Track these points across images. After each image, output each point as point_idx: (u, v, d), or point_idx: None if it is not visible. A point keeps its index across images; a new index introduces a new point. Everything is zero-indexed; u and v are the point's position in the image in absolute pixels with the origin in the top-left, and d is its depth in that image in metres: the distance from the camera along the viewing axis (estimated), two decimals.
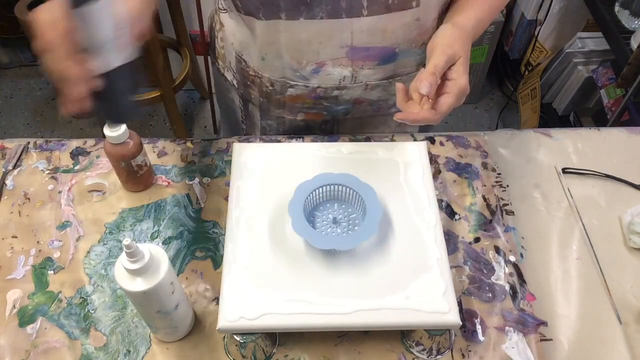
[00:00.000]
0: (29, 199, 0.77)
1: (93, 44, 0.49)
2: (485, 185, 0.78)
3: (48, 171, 0.80)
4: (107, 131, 0.69)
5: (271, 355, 0.63)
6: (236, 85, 0.88)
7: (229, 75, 0.88)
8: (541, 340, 0.64)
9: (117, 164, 0.73)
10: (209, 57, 1.16)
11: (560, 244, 0.73)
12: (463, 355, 0.63)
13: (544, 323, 0.65)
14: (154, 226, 0.74)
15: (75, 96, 0.50)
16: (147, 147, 0.82)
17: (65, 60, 0.48)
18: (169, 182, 0.79)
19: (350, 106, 0.83)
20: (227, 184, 0.78)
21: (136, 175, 0.75)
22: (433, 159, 0.81)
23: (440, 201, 0.76)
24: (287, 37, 0.72)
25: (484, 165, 0.81)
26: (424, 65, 0.77)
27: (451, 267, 0.65)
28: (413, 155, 0.72)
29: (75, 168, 0.80)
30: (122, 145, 0.70)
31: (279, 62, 0.76)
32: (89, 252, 0.71)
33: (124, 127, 0.69)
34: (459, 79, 0.63)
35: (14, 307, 0.66)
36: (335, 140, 0.82)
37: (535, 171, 0.82)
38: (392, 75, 0.80)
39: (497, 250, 0.71)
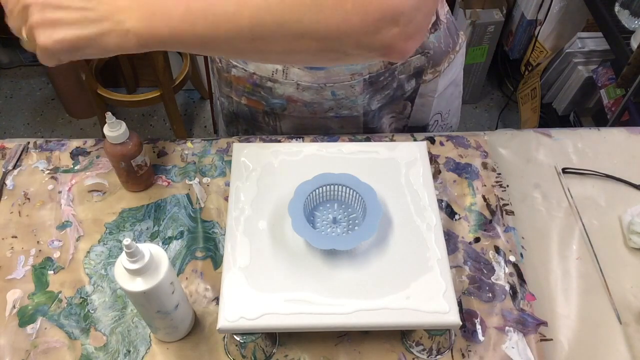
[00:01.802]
0: (29, 199, 0.77)
1: None
2: (485, 185, 0.78)
3: (48, 171, 0.80)
4: (107, 131, 0.69)
5: (271, 355, 0.63)
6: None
7: None
8: (541, 340, 0.64)
9: (117, 164, 0.73)
10: (208, 57, 1.15)
11: (560, 244, 0.73)
12: (463, 355, 0.63)
13: (544, 323, 0.65)
14: (154, 226, 0.74)
15: None
16: (147, 147, 0.82)
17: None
18: (169, 182, 0.79)
19: (285, 102, 0.81)
20: (227, 184, 0.78)
21: (136, 175, 0.75)
22: (433, 159, 0.81)
23: (440, 201, 0.76)
24: None
25: (484, 165, 0.81)
26: (358, 74, 0.76)
27: (451, 267, 0.65)
28: (413, 155, 0.72)
29: (75, 168, 0.80)
30: (122, 145, 0.70)
31: None
32: (89, 252, 0.71)
33: (124, 126, 0.69)
34: None
35: (14, 307, 0.66)
36: (335, 140, 0.82)
37: (535, 171, 0.82)
38: (324, 82, 0.77)
39: (497, 250, 0.71)
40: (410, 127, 0.91)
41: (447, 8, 0.83)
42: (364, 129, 0.86)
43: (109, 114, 0.67)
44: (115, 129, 0.68)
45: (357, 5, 0.46)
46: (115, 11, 0.49)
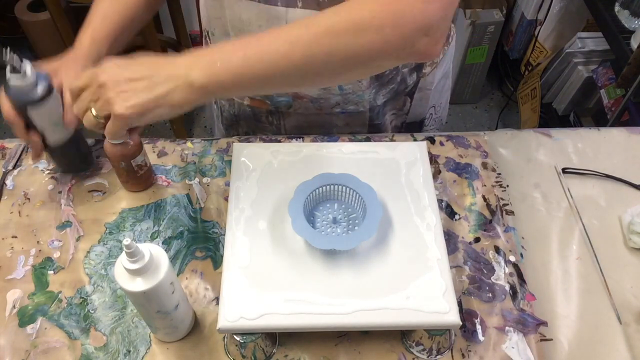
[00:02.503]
0: (29, 199, 0.77)
1: (44, 127, 0.67)
2: (485, 185, 0.78)
3: (48, 171, 0.80)
4: None
5: (271, 355, 0.63)
6: None
7: None
8: (541, 340, 0.64)
9: (117, 164, 0.73)
10: None
11: (560, 244, 0.73)
12: (463, 355, 0.63)
13: (544, 323, 0.65)
14: (154, 226, 0.74)
15: (35, 153, 0.70)
16: (147, 147, 0.82)
17: (23, 133, 0.67)
18: (169, 182, 0.79)
19: (291, 100, 0.82)
20: (227, 184, 0.78)
21: (136, 175, 0.75)
22: (433, 159, 0.81)
23: (440, 201, 0.76)
24: (230, 14, 0.72)
25: (484, 165, 0.81)
26: None
27: (451, 267, 0.65)
28: (413, 155, 0.72)
29: None
30: (122, 145, 0.70)
31: (226, 39, 0.76)
32: (89, 252, 0.71)
33: None
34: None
35: (14, 307, 0.66)
36: (335, 140, 0.82)
37: (535, 171, 0.82)
38: None
39: (497, 250, 0.71)
40: (409, 123, 0.91)
41: None
42: (369, 125, 0.86)
43: None
44: None
45: (395, 28, 0.51)
46: (177, 69, 0.54)
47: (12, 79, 0.62)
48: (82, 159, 0.75)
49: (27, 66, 0.62)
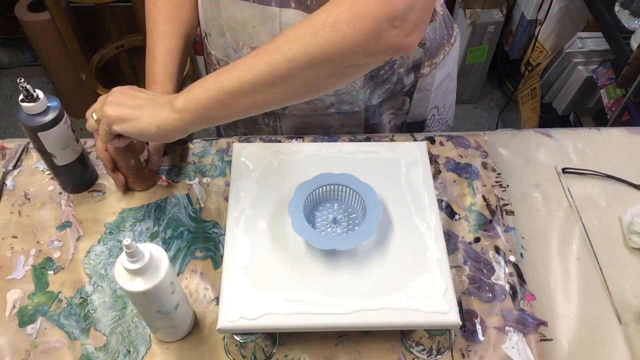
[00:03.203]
0: (29, 199, 0.77)
1: (54, 150, 0.70)
2: (485, 185, 0.78)
3: (48, 171, 0.80)
4: None
5: (271, 355, 0.63)
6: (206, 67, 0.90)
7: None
8: (541, 340, 0.64)
9: (126, 163, 0.73)
10: (205, 58, 1.16)
11: (560, 244, 0.73)
12: (463, 355, 0.63)
13: (544, 323, 0.65)
14: (154, 226, 0.74)
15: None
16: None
17: (111, 172, 0.75)
18: (169, 182, 0.79)
19: None
20: (227, 184, 0.78)
21: (144, 171, 0.75)
22: (433, 159, 0.81)
23: (440, 201, 0.76)
24: (226, 14, 0.72)
25: (484, 165, 0.81)
26: None
27: (451, 267, 0.65)
28: (413, 155, 0.72)
29: None
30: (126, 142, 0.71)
31: (222, 40, 0.77)
32: (89, 252, 0.71)
33: None
34: None
35: (14, 307, 0.66)
36: (335, 140, 0.82)
37: (535, 171, 0.82)
38: None
39: (497, 250, 0.71)
40: (409, 123, 0.91)
41: (442, 0, 0.83)
42: (365, 125, 0.86)
43: None
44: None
45: (351, 23, 0.50)
46: (167, 98, 0.62)
47: (25, 105, 0.66)
48: (87, 179, 0.78)
49: (39, 93, 0.66)
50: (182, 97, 0.59)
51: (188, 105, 0.59)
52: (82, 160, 0.75)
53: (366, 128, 0.87)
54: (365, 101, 0.81)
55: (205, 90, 0.58)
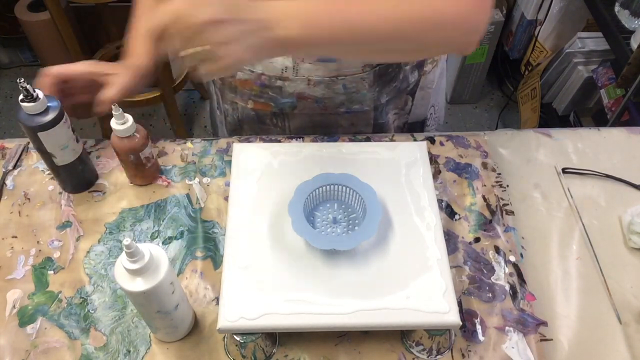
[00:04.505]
0: (29, 199, 0.77)
1: (54, 150, 0.70)
2: (485, 185, 0.78)
3: (48, 171, 0.80)
4: (115, 124, 0.70)
5: (271, 355, 0.63)
6: None
7: None
8: (541, 340, 0.64)
9: (126, 158, 0.73)
10: None
11: (560, 244, 0.73)
12: (463, 355, 0.63)
13: (544, 323, 0.65)
14: (154, 226, 0.74)
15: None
16: None
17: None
18: (169, 182, 0.79)
19: (295, 100, 0.82)
20: (227, 184, 0.78)
21: (144, 168, 0.75)
22: (433, 159, 0.81)
23: (440, 201, 0.76)
24: None
25: (484, 165, 0.81)
26: (369, 66, 0.78)
27: (451, 267, 0.65)
28: (413, 155, 0.72)
29: None
30: (130, 138, 0.71)
31: None
32: (89, 252, 0.71)
33: (130, 119, 0.70)
34: None
35: (14, 307, 0.66)
36: (335, 140, 0.82)
37: (535, 171, 0.82)
38: (335, 75, 0.78)
39: (497, 250, 0.71)
40: (410, 124, 0.91)
41: None
42: (374, 125, 0.86)
43: (115, 106, 0.68)
44: (122, 121, 0.69)
45: (460, 25, 0.58)
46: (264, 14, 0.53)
47: (25, 105, 0.65)
48: (87, 179, 0.78)
49: (39, 93, 0.66)
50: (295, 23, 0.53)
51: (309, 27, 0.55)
52: (82, 160, 0.75)
53: (374, 128, 0.87)
54: (374, 100, 0.82)
55: (327, 26, 0.55)
